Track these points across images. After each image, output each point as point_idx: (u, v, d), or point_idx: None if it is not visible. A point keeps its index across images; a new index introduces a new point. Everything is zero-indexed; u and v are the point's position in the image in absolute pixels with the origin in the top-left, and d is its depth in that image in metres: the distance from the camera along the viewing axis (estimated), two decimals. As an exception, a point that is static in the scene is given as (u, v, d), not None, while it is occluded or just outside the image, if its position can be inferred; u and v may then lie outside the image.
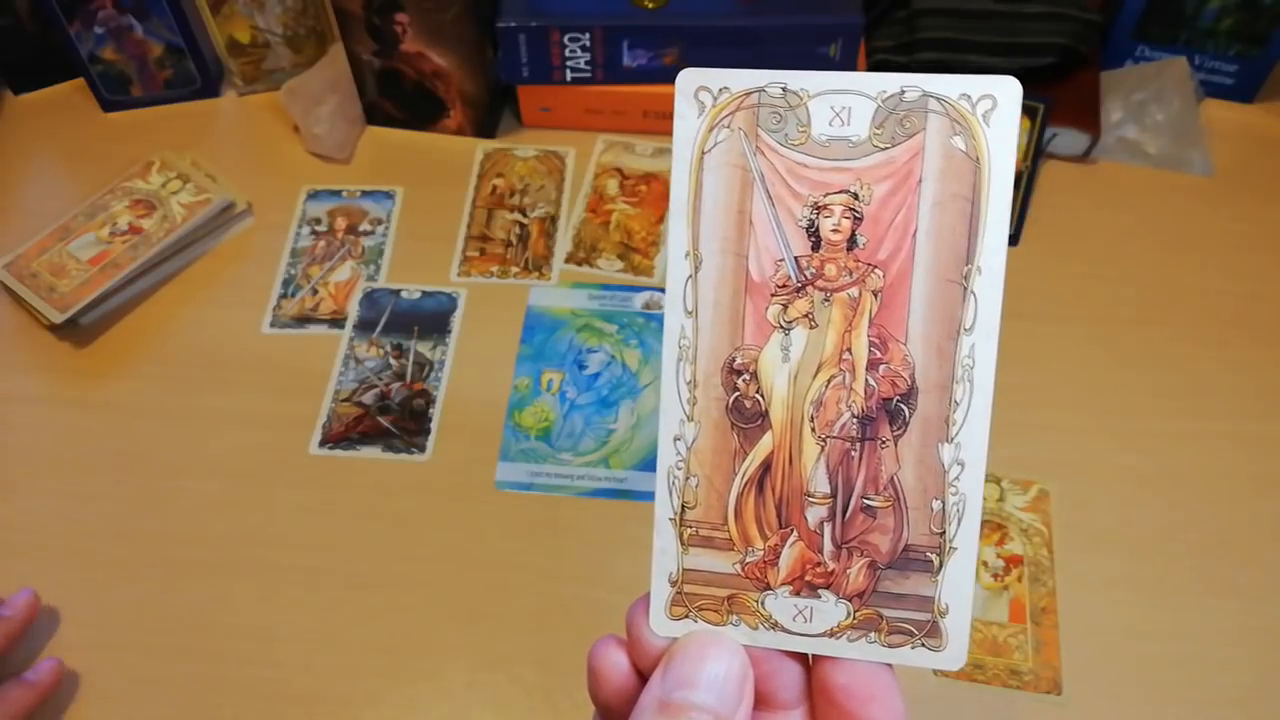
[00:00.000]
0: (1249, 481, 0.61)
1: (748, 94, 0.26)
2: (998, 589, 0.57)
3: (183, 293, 0.72)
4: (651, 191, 0.77)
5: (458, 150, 0.80)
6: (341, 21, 0.74)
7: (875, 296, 0.26)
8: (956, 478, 0.26)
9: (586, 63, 0.76)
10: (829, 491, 0.27)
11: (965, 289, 0.25)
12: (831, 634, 0.27)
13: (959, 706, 0.54)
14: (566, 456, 0.63)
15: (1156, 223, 0.74)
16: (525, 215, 0.76)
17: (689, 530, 0.27)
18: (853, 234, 0.26)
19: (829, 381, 0.26)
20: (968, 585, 0.26)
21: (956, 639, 0.27)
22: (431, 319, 0.70)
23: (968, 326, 0.26)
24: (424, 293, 0.72)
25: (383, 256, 0.74)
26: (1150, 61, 0.80)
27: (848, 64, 0.75)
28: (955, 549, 0.26)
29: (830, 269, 0.26)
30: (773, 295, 0.26)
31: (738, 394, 0.27)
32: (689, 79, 0.26)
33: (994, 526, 0.59)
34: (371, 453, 0.64)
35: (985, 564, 0.58)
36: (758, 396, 0.27)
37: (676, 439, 0.27)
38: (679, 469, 0.27)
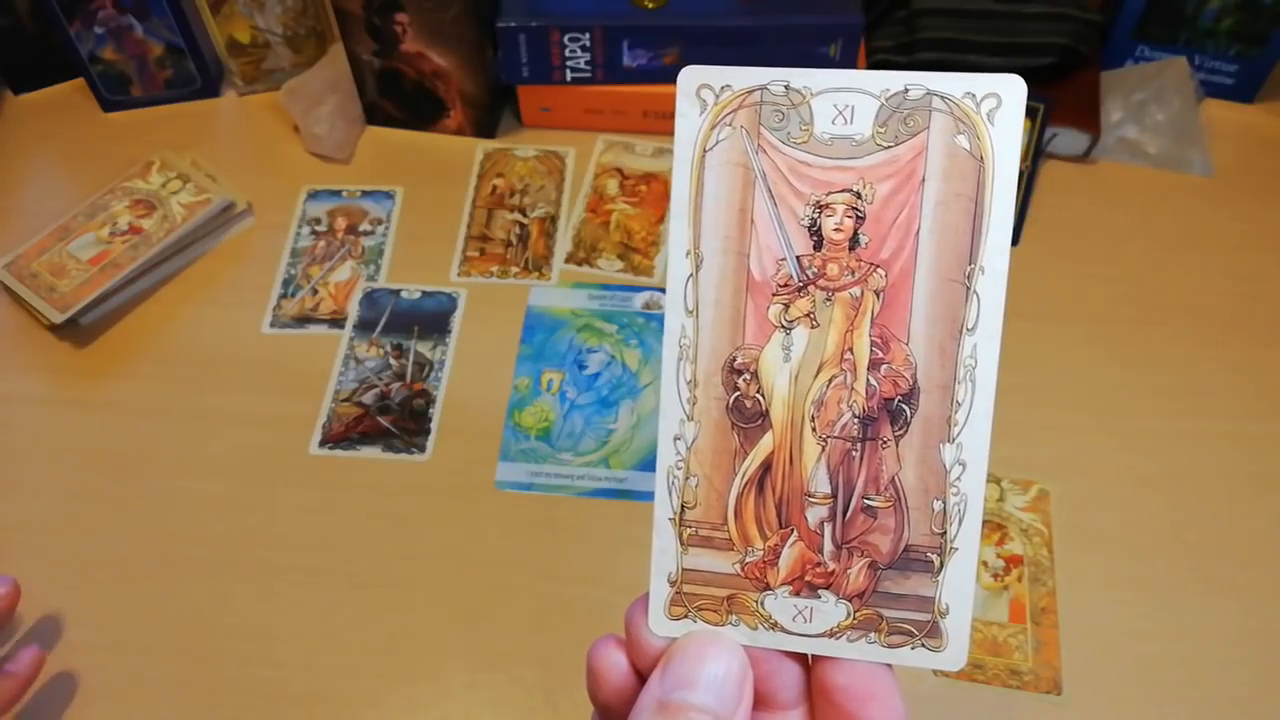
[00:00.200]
0: (1249, 481, 0.61)
1: (750, 92, 0.26)
2: (998, 589, 0.57)
3: (183, 293, 0.72)
4: (651, 191, 0.77)
5: (458, 150, 0.80)
6: (341, 21, 0.74)
7: (877, 296, 0.26)
8: (958, 478, 0.26)
9: (586, 63, 0.76)
10: (829, 491, 0.27)
11: (968, 289, 0.25)
12: (831, 634, 0.27)
13: (959, 706, 0.54)
14: (566, 456, 0.63)
15: (1156, 223, 0.74)
16: (525, 215, 0.76)
17: (688, 530, 0.27)
18: (855, 233, 0.26)
19: (830, 381, 0.26)
20: (968, 586, 0.26)
21: (957, 639, 0.26)
22: (431, 319, 0.70)
23: (970, 326, 0.26)
24: (424, 293, 0.72)
25: (383, 256, 0.74)
26: (1150, 61, 0.80)
27: (848, 64, 0.75)
28: (956, 549, 0.26)
29: (832, 268, 0.26)
30: (774, 294, 0.26)
31: (738, 393, 0.27)
32: (691, 77, 0.26)
33: (994, 526, 0.59)
34: (371, 453, 0.64)
35: (985, 564, 0.58)
36: (758, 396, 0.27)
37: (676, 438, 0.27)
38: (679, 468, 0.27)
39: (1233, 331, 0.68)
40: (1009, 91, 0.25)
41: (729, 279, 0.26)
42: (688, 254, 0.26)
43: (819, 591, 0.27)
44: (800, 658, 0.27)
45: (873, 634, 0.27)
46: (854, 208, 0.26)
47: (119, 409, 0.66)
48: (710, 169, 0.26)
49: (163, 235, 0.71)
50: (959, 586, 0.26)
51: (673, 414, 0.27)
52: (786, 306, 0.26)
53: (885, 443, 0.26)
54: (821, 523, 0.27)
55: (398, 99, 0.79)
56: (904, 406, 0.26)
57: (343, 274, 0.73)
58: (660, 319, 0.68)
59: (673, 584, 0.27)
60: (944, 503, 0.26)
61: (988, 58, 0.76)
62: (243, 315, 0.71)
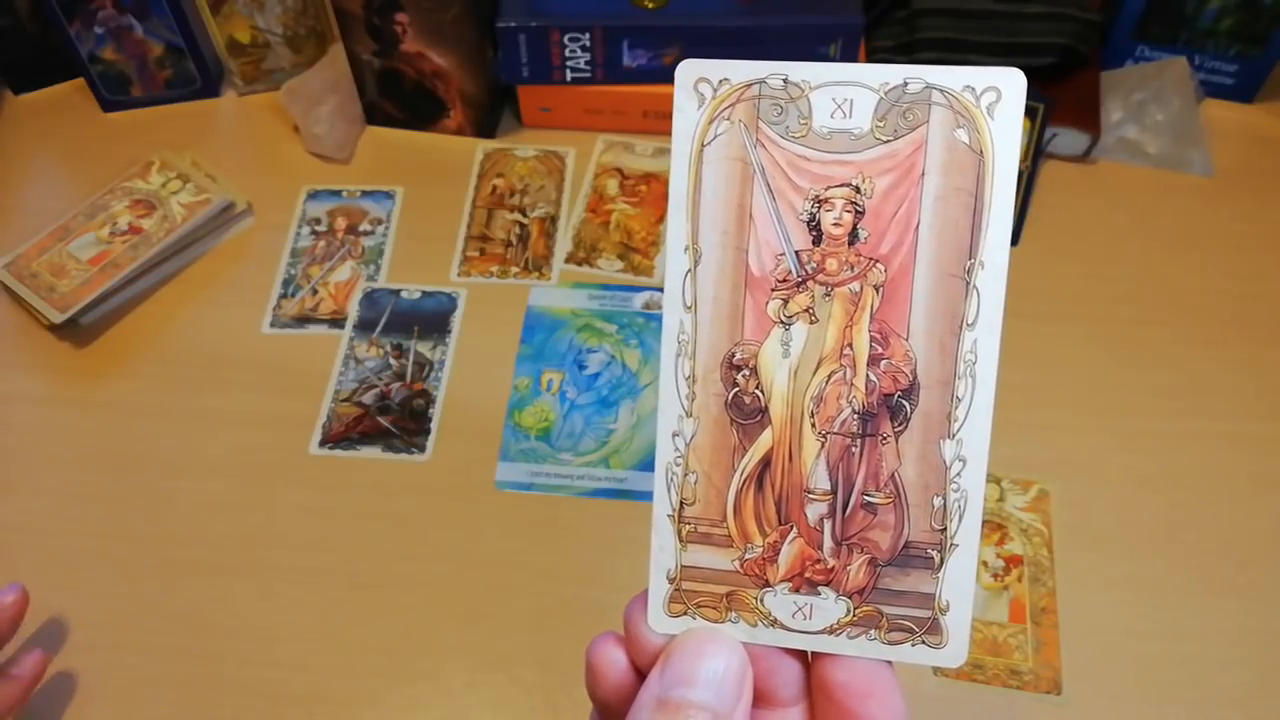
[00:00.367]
0: (1249, 481, 0.61)
1: (748, 85, 0.26)
2: (998, 589, 0.57)
3: (183, 293, 0.72)
4: (651, 191, 0.76)
5: (458, 150, 0.80)
6: (341, 21, 0.74)
7: (877, 291, 0.26)
8: (958, 474, 0.26)
9: (586, 63, 0.76)
10: (829, 488, 0.26)
11: (968, 284, 0.25)
12: (831, 631, 0.27)
13: (959, 706, 0.54)
14: (566, 456, 0.63)
15: (1156, 223, 0.74)
16: (525, 215, 0.76)
17: (687, 527, 0.27)
18: (854, 228, 0.26)
19: (830, 377, 0.26)
20: (968, 582, 0.26)
21: (957, 636, 0.26)
22: (431, 319, 0.70)
23: (970, 321, 0.25)
24: (424, 293, 0.71)
25: (383, 256, 0.74)
26: (1150, 61, 0.80)
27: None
28: (956, 546, 0.26)
29: (831, 263, 0.26)
30: (773, 290, 0.26)
31: (737, 389, 0.27)
32: (689, 70, 0.26)
33: (994, 526, 0.59)
34: (371, 453, 0.64)
35: (985, 564, 0.58)
36: (757, 392, 0.26)
37: (675, 435, 0.27)
38: (677, 465, 0.27)
39: (1233, 331, 0.68)
40: (1008, 85, 0.25)
41: (727, 274, 0.26)
42: (686, 249, 0.26)
43: (819, 588, 0.27)
44: (800, 655, 0.27)
45: (873, 631, 0.26)
46: (853, 202, 0.26)
47: (119, 409, 0.66)
48: (708, 163, 0.26)
49: (163, 235, 0.71)
50: (959, 583, 0.26)
51: (671, 410, 0.27)
52: (785, 302, 0.26)
53: (885, 438, 0.26)
54: (821, 519, 0.27)
55: (398, 99, 0.79)
56: (904, 402, 0.26)
57: (343, 274, 0.73)
58: (660, 319, 0.68)
59: (672, 581, 0.27)
60: (944, 499, 0.26)
61: (988, 58, 0.76)
62: (243, 315, 0.71)
